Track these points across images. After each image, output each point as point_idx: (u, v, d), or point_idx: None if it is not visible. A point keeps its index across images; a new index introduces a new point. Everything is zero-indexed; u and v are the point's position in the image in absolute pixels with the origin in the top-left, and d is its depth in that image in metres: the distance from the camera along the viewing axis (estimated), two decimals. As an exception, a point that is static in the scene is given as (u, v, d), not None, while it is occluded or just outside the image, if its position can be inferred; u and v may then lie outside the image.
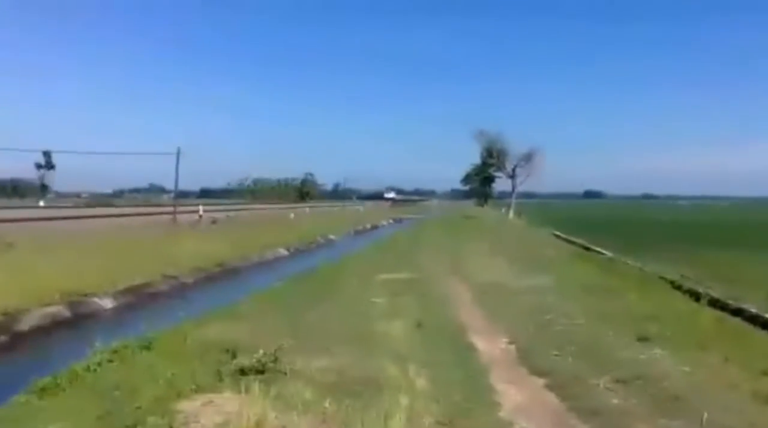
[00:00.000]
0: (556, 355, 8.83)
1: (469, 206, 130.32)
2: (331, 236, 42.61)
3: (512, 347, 9.51)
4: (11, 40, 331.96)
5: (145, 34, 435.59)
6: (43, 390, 7.19)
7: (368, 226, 58.48)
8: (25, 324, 12.91)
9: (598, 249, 27.59)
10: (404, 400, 6.57)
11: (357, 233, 50.95)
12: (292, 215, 51.45)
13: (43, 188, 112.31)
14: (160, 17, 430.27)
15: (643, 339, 9.67)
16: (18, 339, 12.38)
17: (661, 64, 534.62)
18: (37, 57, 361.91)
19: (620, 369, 7.93)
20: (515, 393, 7.27)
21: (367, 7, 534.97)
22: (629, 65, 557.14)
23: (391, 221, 74.15)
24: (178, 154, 38.93)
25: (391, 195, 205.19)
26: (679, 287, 16.29)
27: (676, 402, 6.80)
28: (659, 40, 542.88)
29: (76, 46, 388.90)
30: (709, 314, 12.42)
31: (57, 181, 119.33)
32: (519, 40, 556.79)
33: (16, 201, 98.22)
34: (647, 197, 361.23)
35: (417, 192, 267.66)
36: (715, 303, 14.01)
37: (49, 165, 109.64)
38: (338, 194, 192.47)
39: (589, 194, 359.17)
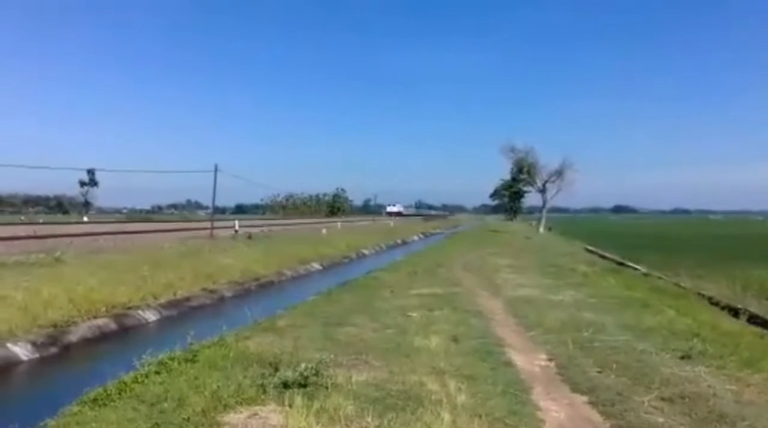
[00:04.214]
0: (597, 372, 8.74)
1: (499, 220, 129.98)
2: (364, 251, 42.82)
3: (552, 363, 9.43)
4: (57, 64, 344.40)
5: (183, 60, 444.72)
6: (94, 400, 7.37)
7: (399, 241, 58.58)
8: (74, 336, 13.32)
9: (632, 264, 27.35)
10: (446, 415, 6.57)
11: (388, 247, 51.09)
12: (324, 231, 51.59)
13: (86, 205, 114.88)
14: (198, 43, 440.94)
15: (686, 356, 9.54)
16: (67, 351, 12.78)
17: (692, 80, 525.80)
18: (88, 84, 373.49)
19: (664, 387, 7.83)
20: (558, 410, 7.22)
21: (395, 29, 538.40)
22: (660, 79, 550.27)
23: (421, 235, 74.18)
24: (216, 171, 39.52)
25: (396, 208, 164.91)
26: (716, 303, 16.13)
27: (723, 421, 6.70)
28: (691, 56, 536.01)
29: (118, 70, 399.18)
30: (750, 331, 12.28)
31: (99, 197, 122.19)
32: (550, 57, 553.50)
33: (59, 217, 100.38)
34: (679, 211, 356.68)
35: (445, 207, 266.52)
36: (755, 319, 13.84)
37: (93, 182, 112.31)
38: (369, 209, 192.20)
39: (619, 209, 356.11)
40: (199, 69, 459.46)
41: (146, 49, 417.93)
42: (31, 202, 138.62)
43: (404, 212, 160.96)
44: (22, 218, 73.96)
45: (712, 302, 16.40)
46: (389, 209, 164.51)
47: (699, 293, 17.67)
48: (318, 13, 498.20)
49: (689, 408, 7.09)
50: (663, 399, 7.44)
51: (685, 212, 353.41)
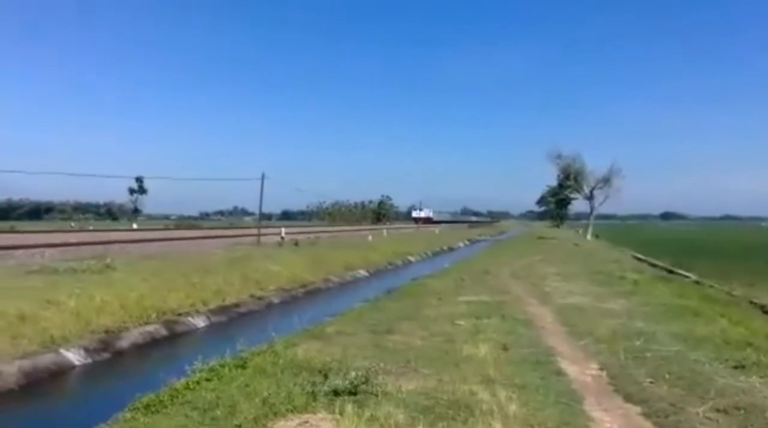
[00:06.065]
0: (650, 382, 8.56)
1: (545, 227, 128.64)
2: (410, 258, 42.87)
3: (603, 373, 9.26)
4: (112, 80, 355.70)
5: (236, 70, 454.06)
6: (146, 406, 7.47)
7: (445, 247, 58.48)
8: (125, 342, 13.63)
9: (682, 272, 26.78)
10: (498, 426, 6.51)
11: (434, 254, 51.00)
12: (370, 237, 51.70)
13: (135, 211, 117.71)
14: (251, 55, 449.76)
15: (739, 366, 9.29)
16: (119, 356, 13.08)
17: (744, 81, 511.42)
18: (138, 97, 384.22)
19: (719, 398, 7.63)
20: (610, 420, 7.08)
21: (442, 38, 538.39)
22: (709, 82, 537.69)
23: (467, 242, 73.90)
24: (263, 179, 39.87)
25: (423, 213, 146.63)
26: (769, 312, 15.72)
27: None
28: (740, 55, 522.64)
29: (163, 81, 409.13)
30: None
31: (148, 204, 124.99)
32: (596, 60, 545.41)
33: (109, 223, 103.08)
34: (728, 218, 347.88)
35: (491, 214, 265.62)
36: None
37: (142, 190, 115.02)
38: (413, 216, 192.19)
39: (668, 216, 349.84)
40: (250, 78, 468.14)
41: (198, 59, 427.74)
42: (81, 209, 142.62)
43: (434, 218, 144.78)
44: (73, 225, 75.73)
45: (765, 310, 15.97)
46: (415, 214, 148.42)
47: (751, 302, 17.23)
48: (360, 25, 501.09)
49: (745, 420, 6.90)
50: (718, 410, 7.24)
51: (735, 218, 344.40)
